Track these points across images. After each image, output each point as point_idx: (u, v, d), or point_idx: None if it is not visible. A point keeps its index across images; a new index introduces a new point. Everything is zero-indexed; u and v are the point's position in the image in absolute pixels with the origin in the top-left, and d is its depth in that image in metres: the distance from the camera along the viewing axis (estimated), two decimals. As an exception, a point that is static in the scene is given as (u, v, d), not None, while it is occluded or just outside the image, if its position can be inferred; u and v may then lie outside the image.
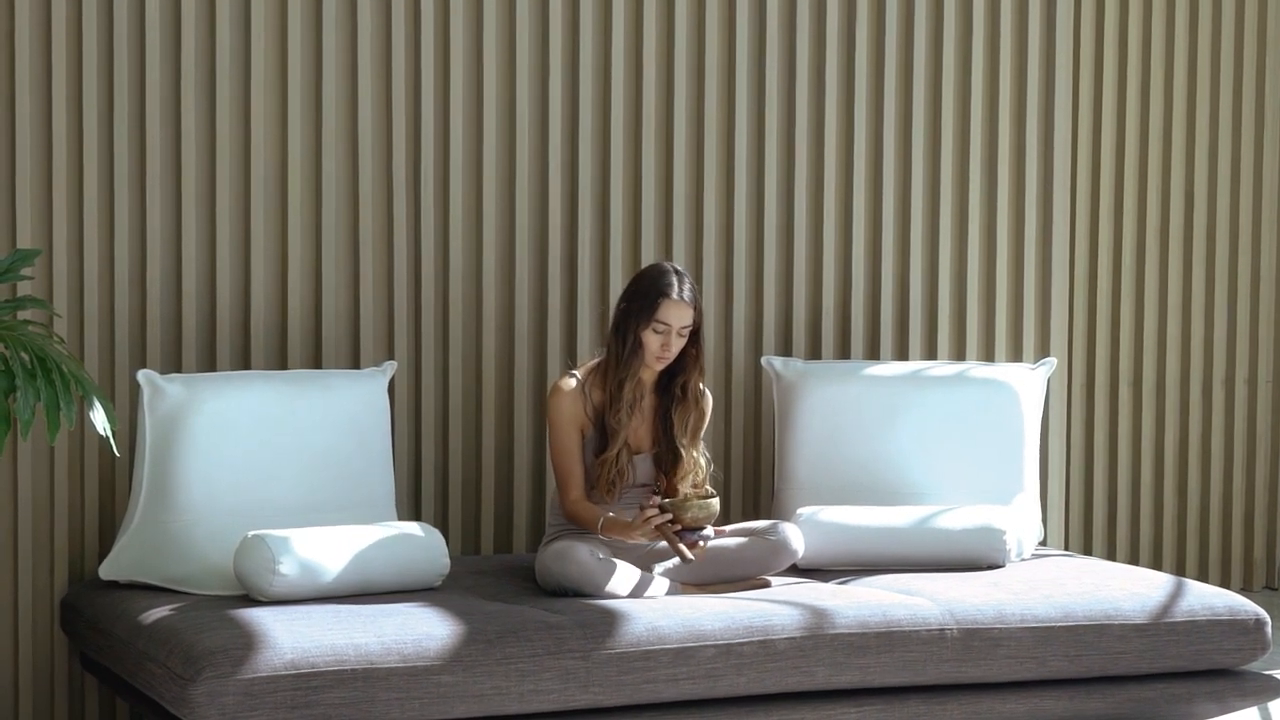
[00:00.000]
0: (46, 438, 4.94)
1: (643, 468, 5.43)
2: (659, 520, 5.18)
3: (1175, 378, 7.30)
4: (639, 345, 5.36)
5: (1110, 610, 5.26)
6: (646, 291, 5.36)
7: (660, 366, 5.39)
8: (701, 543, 5.20)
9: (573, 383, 5.39)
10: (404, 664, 4.61)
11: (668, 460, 5.43)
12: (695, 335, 5.41)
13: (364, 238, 5.71)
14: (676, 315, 5.35)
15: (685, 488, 5.41)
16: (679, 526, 5.18)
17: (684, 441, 5.41)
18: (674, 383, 5.44)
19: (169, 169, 5.52)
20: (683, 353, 5.40)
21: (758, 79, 6.08)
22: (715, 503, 5.20)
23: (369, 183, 5.71)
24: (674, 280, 5.36)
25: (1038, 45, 6.33)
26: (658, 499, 5.24)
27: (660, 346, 5.35)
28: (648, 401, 5.46)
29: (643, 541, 5.27)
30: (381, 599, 5.02)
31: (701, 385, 5.46)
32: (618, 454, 5.34)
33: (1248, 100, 7.32)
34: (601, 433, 5.38)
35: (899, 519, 5.65)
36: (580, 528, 5.33)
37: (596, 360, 5.46)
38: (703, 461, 5.45)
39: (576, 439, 5.37)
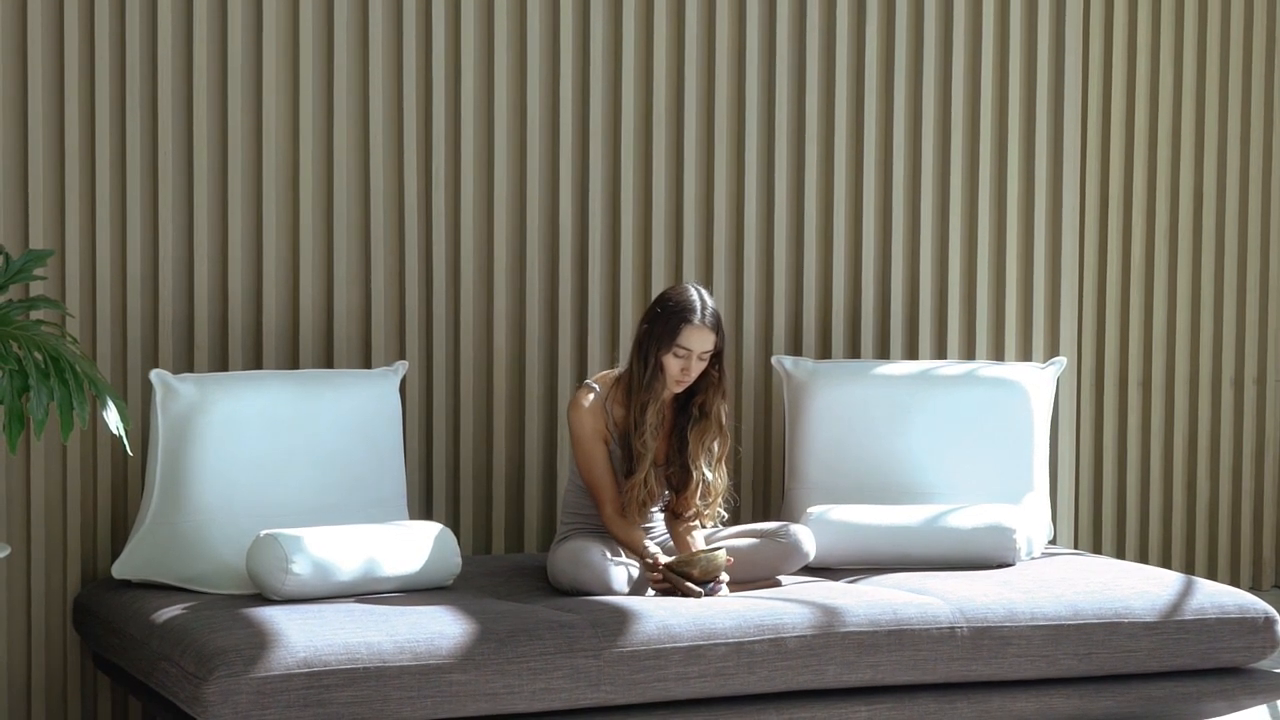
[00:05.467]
0: (60, 437, 4.96)
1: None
2: (665, 573, 5.16)
3: (1184, 377, 7.30)
4: (660, 369, 5.30)
5: (1120, 609, 5.26)
6: (669, 315, 5.29)
7: (679, 390, 5.34)
8: (715, 594, 5.17)
9: (592, 397, 5.35)
10: (416, 662, 4.62)
11: (678, 478, 5.41)
12: (717, 357, 5.36)
13: (375, 237, 5.72)
14: (698, 340, 5.29)
15: (698, 503, 5.38)
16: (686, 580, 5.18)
17: (697, 461, 5.36)
18: (691, 402, 5.38)
19: (181, 170, 5.53)
20: (703, 373, 5.36)
21: (767, 80, 6.09)
22: (722, 555, 5.17)
23: (380, 182, 5.72)
24: (697, 305, 5.30)
25: (1047, 45, 6.33)
26: (664, 559, 5.22)
27: (680, 370, 5.30)
28: (665, 418, 5.43)
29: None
30: (393, 598, 5.03)
31: (724, 408, 5.39)
32: (645, 477, 5.31)
33: (1257, 99, 7.32)
34: (625, 450, 5.35)
35: (909, 518, 5.65)
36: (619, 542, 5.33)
37: (617, 371, 5.44)
38: (720, 484, 5.39)
39: (603, 451, 5.34)
